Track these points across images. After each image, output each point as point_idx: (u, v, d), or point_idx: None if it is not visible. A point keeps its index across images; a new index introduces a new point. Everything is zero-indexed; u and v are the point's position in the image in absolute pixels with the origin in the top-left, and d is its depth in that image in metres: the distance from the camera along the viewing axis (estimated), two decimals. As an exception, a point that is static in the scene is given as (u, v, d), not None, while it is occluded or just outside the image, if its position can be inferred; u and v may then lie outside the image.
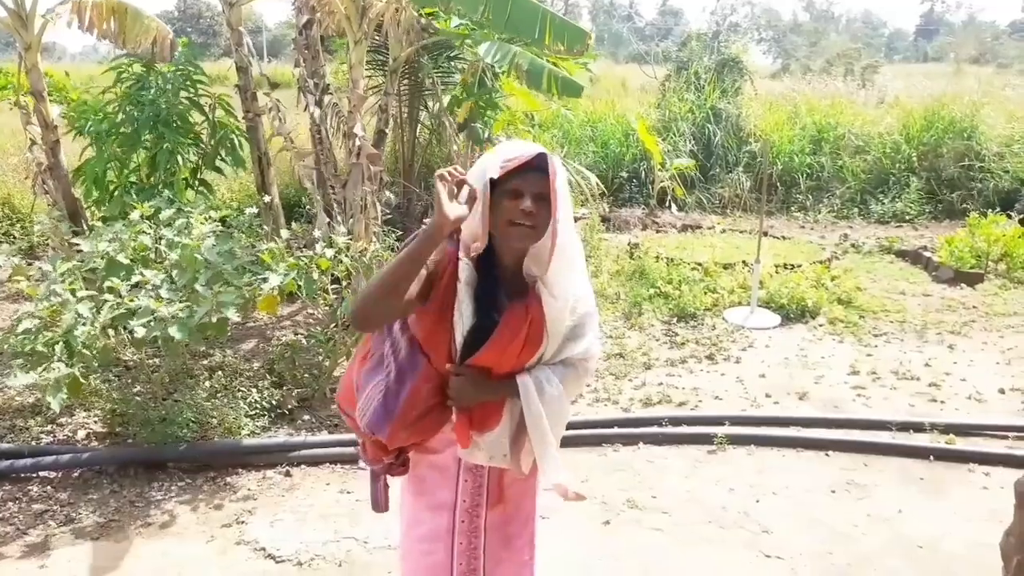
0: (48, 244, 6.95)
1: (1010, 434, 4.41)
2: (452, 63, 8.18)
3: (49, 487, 3.86)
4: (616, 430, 4.43)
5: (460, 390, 1.92)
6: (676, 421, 4.54)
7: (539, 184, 1.85)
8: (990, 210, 8.78)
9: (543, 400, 1.95)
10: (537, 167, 1.86)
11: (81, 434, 4.28)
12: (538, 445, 1.97)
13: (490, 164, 1.87)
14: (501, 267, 1.94)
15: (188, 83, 5.97)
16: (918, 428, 4.45)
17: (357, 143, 5.46)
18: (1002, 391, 5.02)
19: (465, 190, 1.78)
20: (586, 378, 2.10)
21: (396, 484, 2.22)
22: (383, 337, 2.00)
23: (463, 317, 1.90)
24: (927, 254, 8.02)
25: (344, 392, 2.14)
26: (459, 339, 1.90)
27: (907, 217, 10.23)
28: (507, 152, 1.89)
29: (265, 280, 4.16)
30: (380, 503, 2.20)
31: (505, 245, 1.91)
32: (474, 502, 2.06)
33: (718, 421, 4.53)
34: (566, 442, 4.27)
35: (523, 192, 1.84)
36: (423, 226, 1.80)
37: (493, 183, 1.84)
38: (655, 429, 4.44)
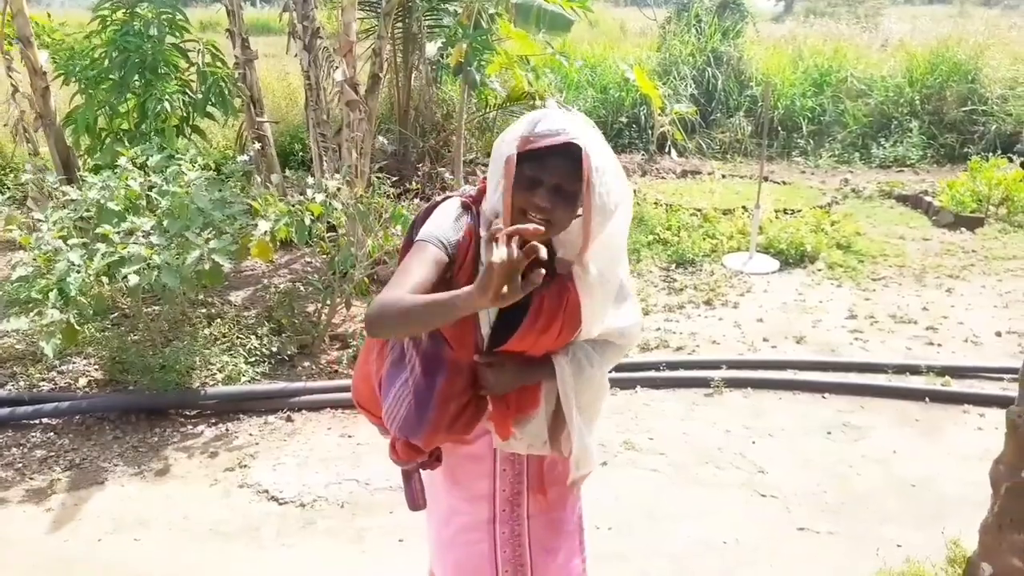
0: (44, 193, 6.87)
1: (1005, 376, 4.44)
2: (445, 5, 8.00)
3: (51, 433, 3.90)
4: (613, 374, 4.41)
5: (496, 379, 1.74)
6: (673, 365, 4.56)
7: (562, 175, 1.58)
8: (992, 154, 8.69)
9: (581, 380, 1.79)
10: (567, 154, 1.57)
11: (82, 382, 4.30)
12: (572, 428, 1.83)
13: (510, 135, 1.62)
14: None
15: (172, 28, 5.84)
16: (914, 371, 4.48)
17: (336, 89, 5.38)
18: (999, 334, 5.04)
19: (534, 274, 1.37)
20: (625, 352, 1.93)
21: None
22: None
23: None
24: (928, 198, 7.96)
25: (361, 389, 1.96)
26: (485, 328, 1.72)
27: (908, 162, 10.12)
28: (535, 126, 1.60)
29: (255, 226, 4.13)
30: (417, 502, 2.03)
31: None
32: (514, 491, 1.93)
33: (715, 365, 4.55)
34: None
35: (541, 181, 1.59)
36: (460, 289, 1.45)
37: (520, 154, 1.59)
38: (652, 373, 4.47)
